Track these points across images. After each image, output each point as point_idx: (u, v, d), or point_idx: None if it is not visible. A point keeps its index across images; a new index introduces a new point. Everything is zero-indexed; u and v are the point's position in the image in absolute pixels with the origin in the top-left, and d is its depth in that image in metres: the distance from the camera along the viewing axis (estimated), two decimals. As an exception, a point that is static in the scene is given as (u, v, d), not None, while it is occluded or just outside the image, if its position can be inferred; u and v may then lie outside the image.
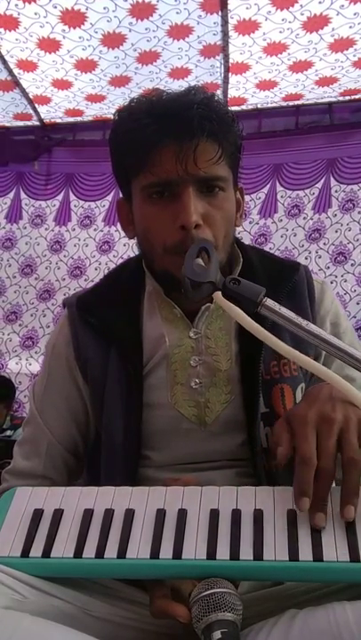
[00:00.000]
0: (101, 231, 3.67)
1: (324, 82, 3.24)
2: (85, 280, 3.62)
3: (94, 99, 3.40)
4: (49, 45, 3.01)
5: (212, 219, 0.98)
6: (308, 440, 0.77)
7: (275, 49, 3.01)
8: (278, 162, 3.41)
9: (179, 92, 1.01)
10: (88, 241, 3.69)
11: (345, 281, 3.29)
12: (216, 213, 0.99)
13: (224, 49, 3.04)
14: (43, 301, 3.72)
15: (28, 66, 3.16)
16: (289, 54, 3.04)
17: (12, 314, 3.75)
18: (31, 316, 3.72)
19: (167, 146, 0.95)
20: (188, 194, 0.96)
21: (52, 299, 3.66)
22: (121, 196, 1.11)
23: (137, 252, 1.17)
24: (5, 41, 3.01)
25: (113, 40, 2.95)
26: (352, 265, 3.32)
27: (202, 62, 3.13)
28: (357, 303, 3.27)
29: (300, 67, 3.13)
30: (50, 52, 3.06)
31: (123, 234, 3.81)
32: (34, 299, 3.74)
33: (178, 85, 3.26)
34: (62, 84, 3.28)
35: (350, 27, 2.90)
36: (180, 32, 2.93)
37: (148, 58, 3.08)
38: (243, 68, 3.17)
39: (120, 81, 3.23)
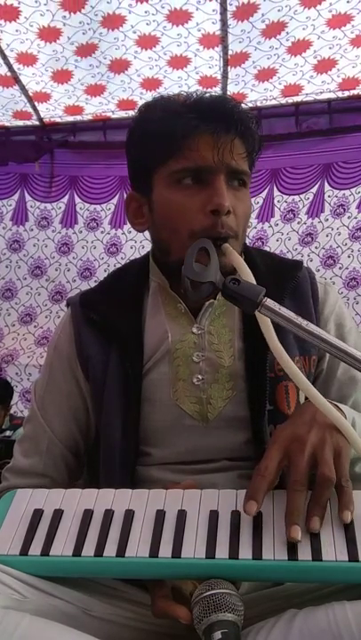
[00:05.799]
0: (108, 234, 3.73)
1: (323, 65, 3.19)
2: (96, 281, 3.75)
3: (94, 90, 3.37)
4: (49, 34, 2.98)
5: (237, 210, 1.01)
6: (271, 457, 0.81)
7: (274, 29, 2.97)
8: (276, 166, 3.48)
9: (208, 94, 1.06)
10: (96, 243, 3.74)
11: (333, 283, 3.51)
12: (240, 206, 1.02)
13: (223, 40, 3.01)
14: (56, 303, 3.80)
15: (28, 59, 3.13)
16: (288, 33, 3.01)
17: (27, 315, 3.83)
18: (46, 317, 3.80)
19: (204, 134, 0.99)
20: (221, 181, 0.99)
21: (65, 300, 3.71)
22: (131, 190, 1.12)
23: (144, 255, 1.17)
24: (5, 33, 2.98)
25: (112, 21, 2.93)
26: (340, 268, 3.46)
27: (201, 52, 3.10)
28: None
29: (299, 47, 3.08)
30: (50, 42, 3.03)
31: (130, 236, 3.69)
32: (47, 300, 3.81)
33: (177, 77, 3.24)
34: (62, 76, 3.25)
35: (348, 1, 2.86)
36: (179, 17, 2.91)
37: (147, 42, 3.05)
38: (242, 57, 3.13)
39: (119, 65, 3.19)
